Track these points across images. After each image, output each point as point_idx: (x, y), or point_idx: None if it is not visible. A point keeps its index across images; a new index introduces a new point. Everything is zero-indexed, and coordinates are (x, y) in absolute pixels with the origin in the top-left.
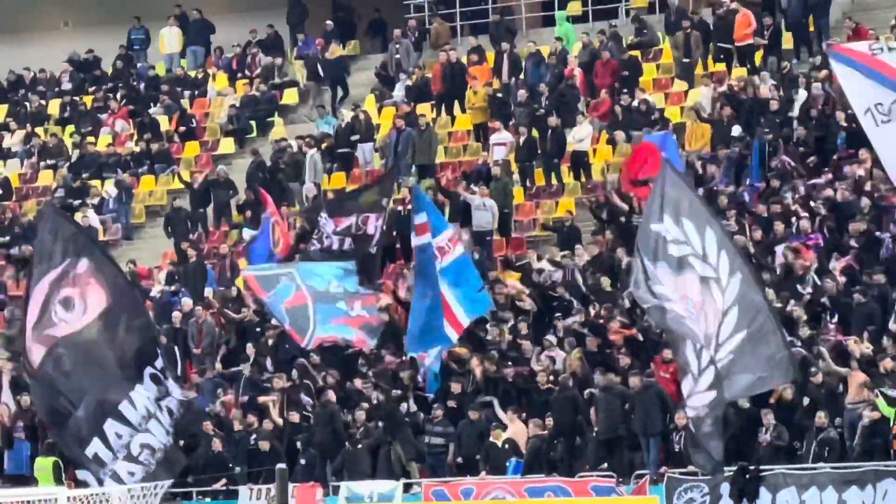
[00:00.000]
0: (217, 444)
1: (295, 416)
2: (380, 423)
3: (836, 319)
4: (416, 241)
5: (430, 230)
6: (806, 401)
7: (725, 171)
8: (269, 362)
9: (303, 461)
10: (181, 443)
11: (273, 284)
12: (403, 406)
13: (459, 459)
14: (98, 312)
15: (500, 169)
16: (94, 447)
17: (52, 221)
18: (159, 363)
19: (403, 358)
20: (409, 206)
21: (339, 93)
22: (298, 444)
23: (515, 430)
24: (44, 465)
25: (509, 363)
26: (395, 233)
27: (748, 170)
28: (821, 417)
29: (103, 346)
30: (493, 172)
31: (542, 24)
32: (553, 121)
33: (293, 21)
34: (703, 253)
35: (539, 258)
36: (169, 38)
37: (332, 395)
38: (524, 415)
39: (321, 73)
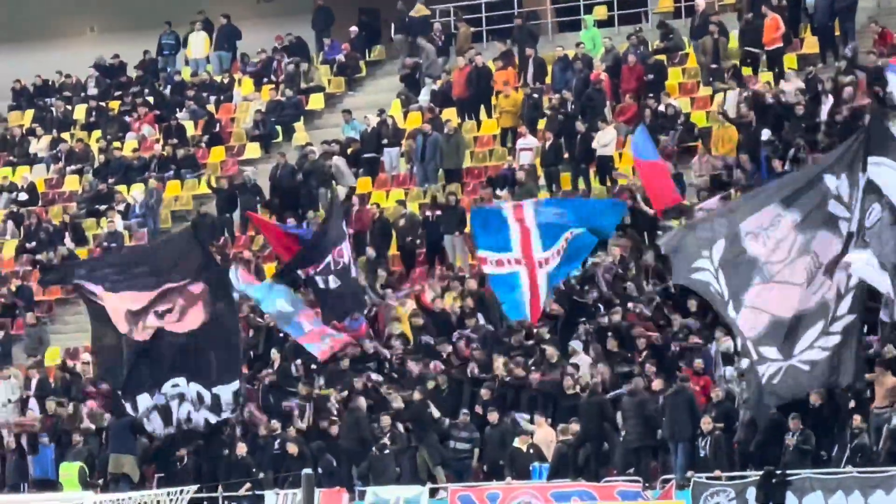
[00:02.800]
0: (241, 449)
1: (321, 422)
2: (403, 427)
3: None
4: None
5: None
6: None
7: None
8: (293, 367)
9: (329, 466)
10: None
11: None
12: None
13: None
14: (192, 328)
15: (525, 174)
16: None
17: (186, 243)
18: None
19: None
20: (437, 212)
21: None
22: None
23: (541, 435)
24: (69, 470)
25: (533, 367)
26: (415, 239)
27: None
28: (857, 420)
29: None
30: (518, 177)
31: (567, 28)
32: (580, 126)
33: (319, 27)
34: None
35: None
36: (195, 44)
37: (359, 401)
38: (550, 420)
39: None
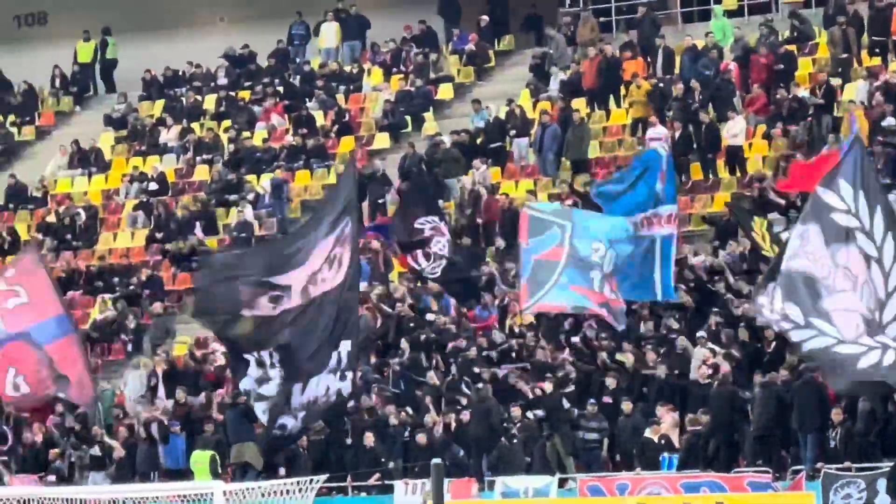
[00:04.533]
0: (370, 439)
1: (451, 411)
2: (533, 416)
3: None
4: None
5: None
6: None
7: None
8: (423, 357)
9: (459, 455)
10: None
11: (540, 231)
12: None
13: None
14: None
15: None
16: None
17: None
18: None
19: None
20: (570, 202)
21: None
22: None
23: (669, 425)
24: (200, 458)
25: (660, 357)
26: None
27: None
28: None
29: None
30: None
31: (697, 18)
32: (705, 116)
33: (447, 16)
34: (870, 230)
35: (696, 253)
36: (327, 34)
37: (489, 391)
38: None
39: None
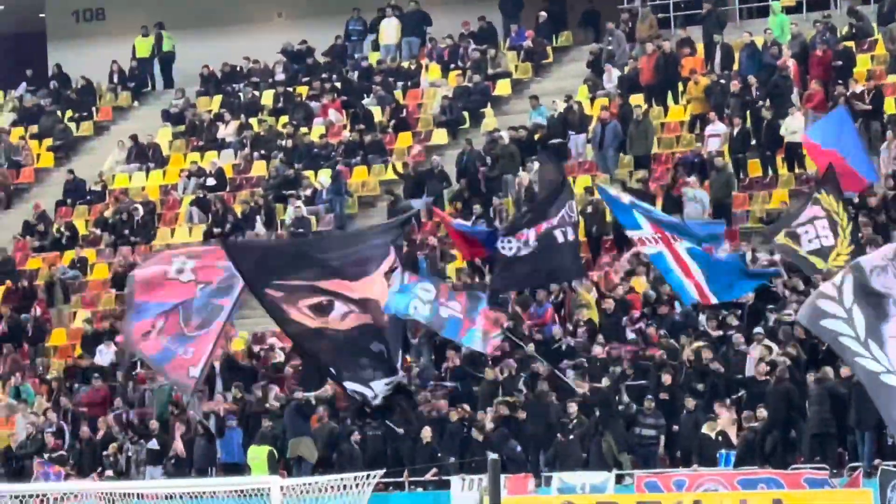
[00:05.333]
0: (427, 434)
1: (506, 408)
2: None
3: None
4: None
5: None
6: None
7: None
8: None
9: (516, 451)
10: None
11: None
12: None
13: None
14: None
15: (723, 160)
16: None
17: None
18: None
19: (611, 351)
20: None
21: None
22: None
23: (726, 421)
24: (257, 453)
25: (714, 354)
26: (602, 225)
27: None
28: None
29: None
30: (717, 163)
31: (756, 14)
32: (767, 112)
33: (507, 12)
34: None
35: (753, 250)
36: (387, 30)
37: (545, 386)
38: (734, 407)
39: None
